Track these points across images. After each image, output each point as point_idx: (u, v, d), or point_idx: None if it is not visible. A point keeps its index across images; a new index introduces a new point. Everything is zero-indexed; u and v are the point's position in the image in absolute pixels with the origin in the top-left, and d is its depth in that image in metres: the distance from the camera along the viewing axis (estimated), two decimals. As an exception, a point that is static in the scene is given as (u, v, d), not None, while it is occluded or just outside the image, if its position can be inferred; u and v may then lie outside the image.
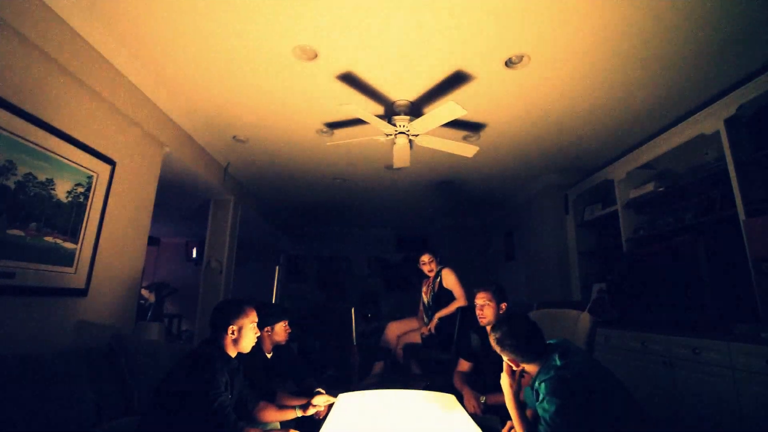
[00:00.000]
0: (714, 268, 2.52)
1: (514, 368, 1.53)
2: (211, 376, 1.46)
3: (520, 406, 1.52)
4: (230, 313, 1.66)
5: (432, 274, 3.50)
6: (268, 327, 2.20)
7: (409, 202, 5.93)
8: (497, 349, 1.57)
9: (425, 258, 3.50)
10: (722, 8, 2.00)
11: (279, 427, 1.89)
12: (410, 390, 1.92)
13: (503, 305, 2.18)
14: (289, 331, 2.28)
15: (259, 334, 1.75)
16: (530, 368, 1.51)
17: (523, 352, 1.51)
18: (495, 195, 5.49)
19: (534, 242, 5.04)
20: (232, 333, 1.64)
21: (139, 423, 1.50)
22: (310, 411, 1.87)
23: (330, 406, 1.80)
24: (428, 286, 3.53)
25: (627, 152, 3.60)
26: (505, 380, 1.54)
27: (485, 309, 2.16)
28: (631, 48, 2.30)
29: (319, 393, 2.14)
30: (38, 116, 1.99)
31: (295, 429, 1.75)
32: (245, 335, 1.67)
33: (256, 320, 1.73)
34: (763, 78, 2.35)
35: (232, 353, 1.66)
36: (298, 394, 2.15)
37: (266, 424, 1.84)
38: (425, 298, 3.54)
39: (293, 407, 1.86)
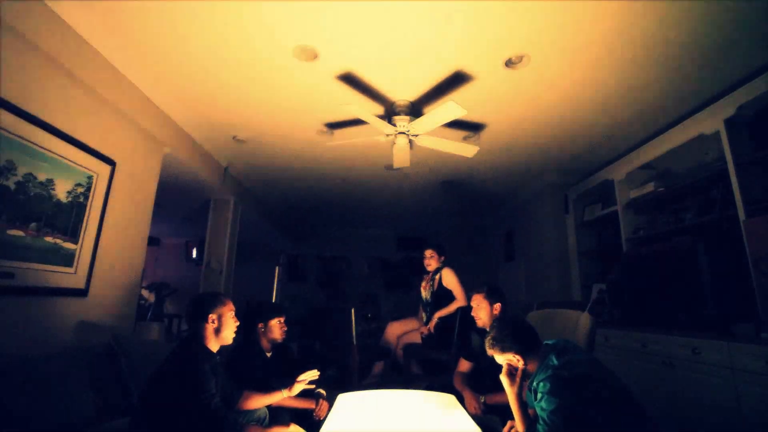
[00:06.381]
0: (714, 268, 2.52)
1: (518, 366, 1.52)
2: (201, 381, 1.45)
3: (523, 405, 1.52)
4: (208, 302, 1.66)
5: (431, 269, 3.51)
6: (261, 323, 2.19)
7: (409, 202, 5.93)
8: (495, 351, 1.57)
9: (427, 253, 3.52)
10: (722, 8, 2.00)
11: (277, 424, 1.89)
12: (410, 390, 1.92)
13: (497, 306, 2.19)
14: (285, 328, 2.26)
15: (238, 323, 1.74)
16: (530, 366, 1.51)
17: (521, 344, 1.52)
18: (495, 195, 5.49)
19: (534, 242, 5.04)
20: (213, 322, 1.62)
21: (129, 426, 1.49)
22: (296, 388, 1.89)
23: (330, 406, 1.80)
24: (427, 282, 3.53)
25: (627, 152, 3.60)
26: (505, 380, 1.54)
27: (479, 310, 2.23)
28: (631, 48, 2.30)
29: (320, 394, 2.14)
30: (38, 116, 1.99)
31: (295, 426, 1.74)
32: (226, 323, 1.66)
33: (234, 309, 1.72)
34: (763, 78, 2.35)
35: (214, 347, 1.65)
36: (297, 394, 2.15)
37: (254, 413, 1.85)
38: (424, 293, 3.55)
39: (279, 389, 1.88)
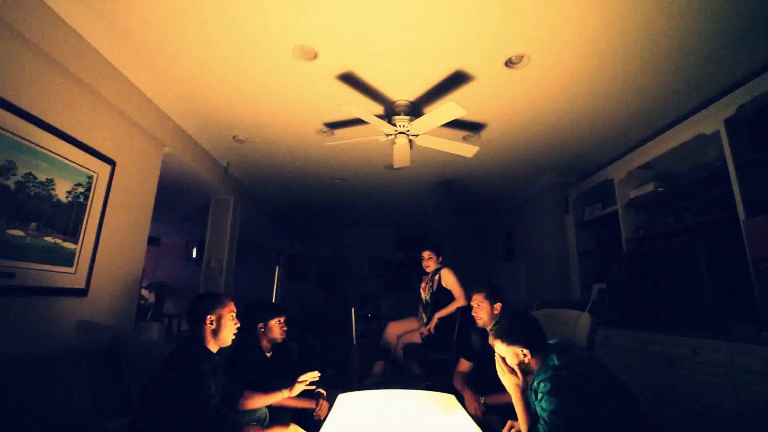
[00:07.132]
0: (714, 268, 2.52)
1: (524, 360, 1.51)
2: (200, 381, 1.45)
3: (526, 403, 1.51)
4: (208, 303, 1.66)
5: (430, 270, 3.51)
6: (261, 324, 2.19)
7: (409, 201, 5.93)
8: (502, 342, 1.54)
9: (425, 254, 3.52)
10: (722, 8, 2.00)
11: (277, 424, 1.89)
12: (410, 390, 1.92)
13: (497, 305, 2.19)
14: (285, 328, 2.26)
15: (238, 324, 1.74)
16: (533, 364, 1.50)
17: (531, 341, 1.50)
18: (495, 195, 5.49)
19: (534, 242, 5.04)
20: (211, 323, 1.62)
21: (129, 426, 1.49)
22: (297, 389, 1.89)
23: (330, 406, 1.80)
24: (427, 282, 3.53)
25: (627, 152, 3.60)
26: (506, 379, 1.53)
27: (479, 310, 2.21)
28: (631, 48, 2.30)
29: (320, 394, 2.14)
30: (38, 116, 1.99)
31: (295, 426, 1.74)
32: (225, 325, 1.65)
33: (234, 310, 1.72)
34: (763, 78, 2.35)
35: (213, 348, 1.65)
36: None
37: (254, 413, 1.85)
38: (423, 294, 3.55)
39: (279, 389, 1.88)
